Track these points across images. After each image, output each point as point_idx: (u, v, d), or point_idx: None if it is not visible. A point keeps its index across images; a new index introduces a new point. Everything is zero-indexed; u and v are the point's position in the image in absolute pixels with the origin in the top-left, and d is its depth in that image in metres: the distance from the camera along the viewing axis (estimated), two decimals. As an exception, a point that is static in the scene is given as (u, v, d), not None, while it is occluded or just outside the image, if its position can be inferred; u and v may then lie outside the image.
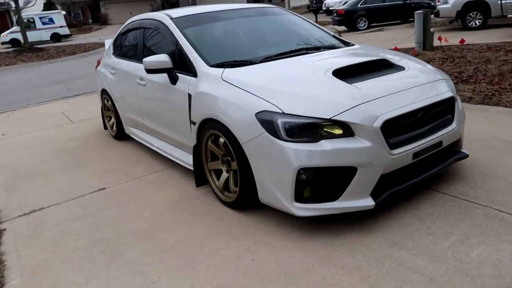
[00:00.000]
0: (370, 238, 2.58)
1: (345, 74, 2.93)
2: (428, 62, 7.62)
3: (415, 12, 9.18)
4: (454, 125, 2.98)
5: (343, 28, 16.86)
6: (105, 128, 5.65)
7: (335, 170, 2.54)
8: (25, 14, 26.37)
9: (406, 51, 9.11)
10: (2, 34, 27.36)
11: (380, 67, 3.13)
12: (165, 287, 2.35)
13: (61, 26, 29.65)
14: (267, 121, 2.61)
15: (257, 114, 2.67)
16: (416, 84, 2.91)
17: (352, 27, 16.20)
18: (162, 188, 3.67)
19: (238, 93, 2.86)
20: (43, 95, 9.63)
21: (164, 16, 3.97)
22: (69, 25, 32.17)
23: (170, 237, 2.86)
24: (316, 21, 18.63)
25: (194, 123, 3.29)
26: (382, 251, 2.44)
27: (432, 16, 11.24)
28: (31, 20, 28.44)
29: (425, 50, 8.95)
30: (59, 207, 3.53)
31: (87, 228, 3.10)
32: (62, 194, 3.80)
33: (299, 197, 2.59)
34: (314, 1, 27.79)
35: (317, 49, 3.67)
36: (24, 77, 13.30)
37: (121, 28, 5.06)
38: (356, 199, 2.58)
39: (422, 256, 2.36)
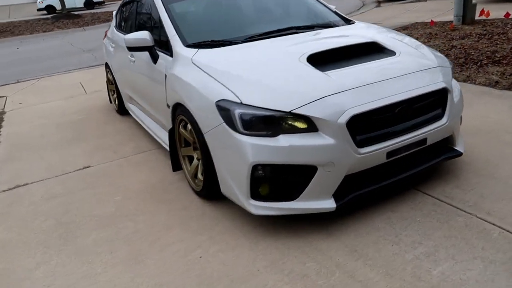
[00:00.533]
0: (330, 242, 2.38)
1: (322, 59, 2.65)
2: (463, 38, 7.01)
3: (456, -19, 8.39)
4: (444, 120, 2.65)
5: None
6: (111, 102, 5.63)
7: (294, 168, 2.32)
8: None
9: (443, 25, 8.43)
10: (38, 0, 27.26)
11: (367, 51, 2.82)
12: (107, 280, 2.28)
13: None
14: (225, 111, 2.41)
15: (217, 102, 2.47)
16: (402, 72, 2.59)
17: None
18: (142, 170, 3.59)
19: (203, 78, 2.67)
20: (71, 63, 9.79)
21: (152, -12, 3.78)
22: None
23: (130, 225, 2.78)
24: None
25: (168, 106, 3.15)
26: (337, 259, 2.23)
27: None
28: None
29: (464, 24, 8.21)
30: (41, 184, 3.54)
31: (57, 210, 3.08)
32: (50, 170, 3.82)
33: (255, 194, 2.41)
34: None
35: (309, 27, 3.37)
36: (58, 44, 13.58)
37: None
38: (316, 200, 2.37)
39: (379, 268, 2.14)
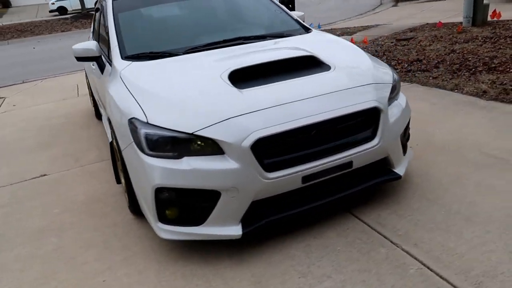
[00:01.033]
0: (238, 271, 2.25)
1: (245, 76, 2.52)
2: (467, 42, 6.64)
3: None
4: (375, 141, 2.45)
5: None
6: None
7: (198, 192, 2.21)
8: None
9: (452, 27, 8.02)
10: (50, 2, 26.91)
11: (301, 66, 2.65)
12: (8, 301, 2.26)
13: None
14: (134, 130, 2.33)
15: (129, 120, 2.39)
16: (329, 90, 2.42)
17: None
18: (91, 181, 3.56)
19: (124, 94, 2.59)
20: (79, 64, 9.93)
21: (109, -4, 3.73)
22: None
23: (55, 241, 2.74)
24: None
25: (108, 119, 3.10)
26: (237, 291, 2.11)
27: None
28: None
29: (474, 26, 7.77)
30: (-5, 192, 3.58)
31: (-3, 220, 3.10)
32: (10, 177, 3.86)
33: (163, 218, 2.31)
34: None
35: (260, 37, 3.23)
36: (73, 44, 13.83)
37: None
38: (222, 226, 2.25)
39: (274, 304, 2.00)
